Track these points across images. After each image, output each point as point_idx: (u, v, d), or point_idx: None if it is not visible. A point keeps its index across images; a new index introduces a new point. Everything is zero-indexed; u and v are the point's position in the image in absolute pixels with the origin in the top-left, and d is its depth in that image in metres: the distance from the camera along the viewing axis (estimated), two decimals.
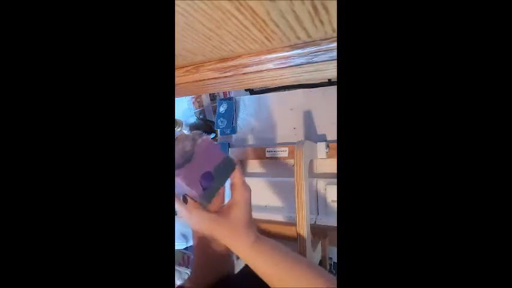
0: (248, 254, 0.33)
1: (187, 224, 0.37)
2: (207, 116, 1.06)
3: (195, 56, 0.33)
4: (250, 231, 0.34)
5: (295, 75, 0.33)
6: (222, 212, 0.34)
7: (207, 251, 0.38)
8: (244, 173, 0.78)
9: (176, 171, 0.28)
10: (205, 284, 0.37)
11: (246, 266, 0.45)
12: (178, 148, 0.30)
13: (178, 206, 0.35)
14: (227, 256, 0.40)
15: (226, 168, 0.32)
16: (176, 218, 0.82)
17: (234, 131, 0.83)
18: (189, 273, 0.90)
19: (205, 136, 0.32)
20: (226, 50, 0.31)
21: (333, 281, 0.32)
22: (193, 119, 1.01)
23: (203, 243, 0.38)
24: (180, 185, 0.29)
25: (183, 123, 0.88)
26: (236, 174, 0.35)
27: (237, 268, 0.43)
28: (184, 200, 0.33)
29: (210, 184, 0.30)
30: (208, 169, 0.30)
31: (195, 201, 0.32)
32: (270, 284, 0.33)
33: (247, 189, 0.35)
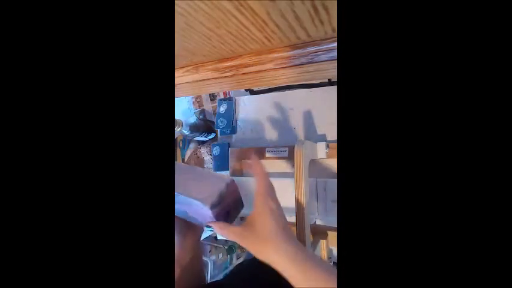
0: (280, 263, 0.30)
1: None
2: (207, 116, 1.06)
3: (195, 56, 0.33)
4: (281, 239, 0.32)
5: (295, 75, 0.33)
6: (246, 225, 0.34)
7: (179, 262, 0.38)
8: (244, 173, 0.78)
9: (215, 210, 0.34)
10: None
11: (229, 275, 0.46)
12: (218, 190, 0.36)
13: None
14: (196, 266, 0.41)
15: (239, 207, 0.40)
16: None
17: (234, 131, 0.83)
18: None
19: (232, 181, 0.38)
20: (226, 50, 0.31)
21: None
22: (193, 119, 1.01)
23: (177, 254, 0.38)
24: (211, 217, 0.35)
25: (183, 123, 0.88)
26: (261, 185, 0.37)
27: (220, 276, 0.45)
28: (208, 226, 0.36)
29: (227, 220, 0.38)
30: (229, 208, 0.37)
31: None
32: None
33: (272, 200, 0.36)
